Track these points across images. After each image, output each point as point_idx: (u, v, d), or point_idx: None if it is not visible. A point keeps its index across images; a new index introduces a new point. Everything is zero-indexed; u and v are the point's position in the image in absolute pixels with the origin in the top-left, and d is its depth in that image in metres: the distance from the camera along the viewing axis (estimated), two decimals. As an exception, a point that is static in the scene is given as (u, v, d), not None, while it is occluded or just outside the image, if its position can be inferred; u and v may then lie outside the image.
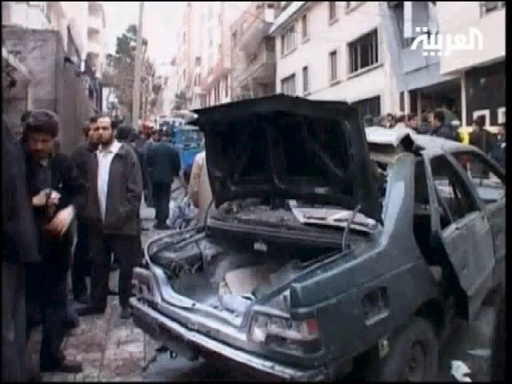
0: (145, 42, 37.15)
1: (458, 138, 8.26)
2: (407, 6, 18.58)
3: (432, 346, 3.38)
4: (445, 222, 3.56)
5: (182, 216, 9.74)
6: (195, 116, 3.86)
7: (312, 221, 3.52)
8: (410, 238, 3.22)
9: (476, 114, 14.51)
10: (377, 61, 22.67)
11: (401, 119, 8.65)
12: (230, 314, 3.26)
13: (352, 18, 23.94)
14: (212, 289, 3.90)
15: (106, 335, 4.59)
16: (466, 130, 10.57)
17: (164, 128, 19.90)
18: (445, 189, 4.54)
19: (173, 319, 3.25)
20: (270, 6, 35.56)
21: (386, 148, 3.58)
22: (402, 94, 20.59)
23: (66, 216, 3.66)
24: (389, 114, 11.38)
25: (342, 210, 3.59)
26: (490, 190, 5.29)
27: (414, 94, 20.17)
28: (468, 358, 4.06)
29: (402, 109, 19.28)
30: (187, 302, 3.30)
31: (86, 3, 46.96)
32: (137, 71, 21.70)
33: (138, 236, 5.54)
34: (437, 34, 17.21)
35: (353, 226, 3.07)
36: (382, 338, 2.88)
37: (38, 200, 3.46)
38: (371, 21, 21.42)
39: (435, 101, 18.16)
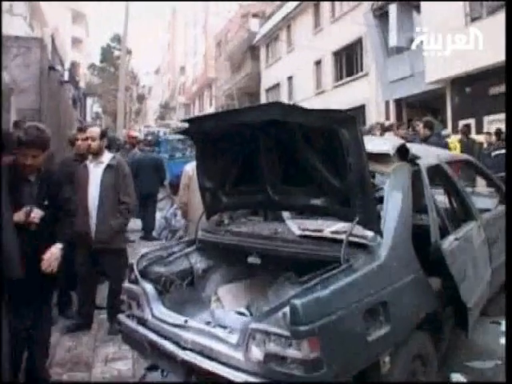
0: (129, 52, 37.02)
1: (447, 147, 8.22)
2: (392, 15, 18.72)
3: (432, 359, 3.29)
4: (443, 233, 3.48)
5: (168, 227, 9.61)
6: (182, 125, 3.74)
7: (308, 233, 3.41)
8: (409, 249, 3.13)
9: (461, 123, 14.57)
10: (362, 70, 22.75)
11: (389, 128, 8.61)
12: (223, 330, 3.14)
13: (337, 27, 24.08)
14: (204, 304, 3.77)
15: (93, 352, 4.42)
16: (455, 139, 10.58)
17: (149, 138, 19.72)
18: (439, 198, 4.49)
19: (164, 337, 3.11)
20: (254, 16, 35.71)
21: (381, 157, 3.50)
22: (387, 102, 20.68)
23: (54, 256, 3.54)
24: (378, 123, 11.36)
25: (338, 222, 3.49)
26: (483, 199, 5.24)
27: (399, 102, 20.27)
28: (466, 370, 3.99)
29: (388, 118, 19.34)
30: (179, 318, 3.16)
31: (70, 13, 46.64)
32: (121, 80, 21.55)
33: (125, 249, 5.37)
34: (421, 42, 17.34)
35: (351, 239, 2.97)
36: (383, 354, 2.78)
37: (17, 217, 3.32)
38: (356, 30, 21.54)
39: (420, 110, 18.22)
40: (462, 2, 15.10)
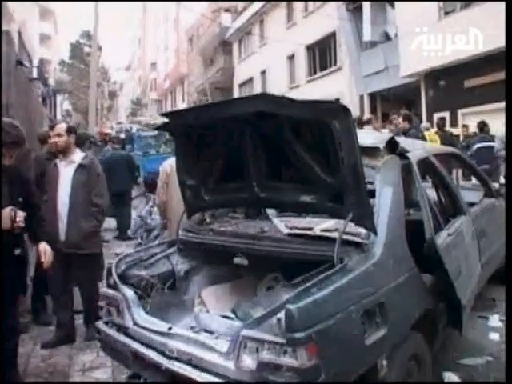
0: (99, 48, 36.38)
1: (425, 140, 8.15)
2: (366, 8, 18.70)
3: (426, 359, 3.16)
4: (435, 228, 3.35)
5: (143, 225, 9.36)
6: (155, 121, 3.53)
7: (296, 231, 3.24)
8: (403, 246, 3.00)
9: (436, 116, 14.63)
10: (335, 64, 22.73)
11: (368, 122, 8.50)
12: (210, 336, 2.98)
13: (310, 21, 23.98)
14: (187, 307, 3.58)
15: (70, 361, 4.19)
16: (433, 132, 10.52)
17: (122, 135, 19.34)
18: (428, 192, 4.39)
19: (147, 345, 2.92)
20: (226, 10, 35.40)
21: (370, 151, 3.36)
22: (361, 96, 20.68)
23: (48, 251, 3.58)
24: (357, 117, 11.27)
25: (327, 219, 3.34)
26: (467, 192, 5.17)
27: (373, 96, 20.30)
28: (457, 367, 3.90)
29: (362, 112, 19.32)
30: (162, 325, 2.97)
31: (37, 9, 45.57)
32: (92, 77, 21.10)
33: (100, 253, 5.07)
34: (395, 36, 17.36)
35: (344, 237, 2.82)
36: (381, 358, 2.63)
37: (5, 224, 3.19)
38: (329, 24, 21.49)
39: (395, 103, 18.25)
40: (435, -4, 15.12)
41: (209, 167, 3.63)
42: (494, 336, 4.47)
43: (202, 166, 3.64)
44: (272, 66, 28.19)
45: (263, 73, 29.78)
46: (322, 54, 24.07)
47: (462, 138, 11.73)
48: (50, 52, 48.90)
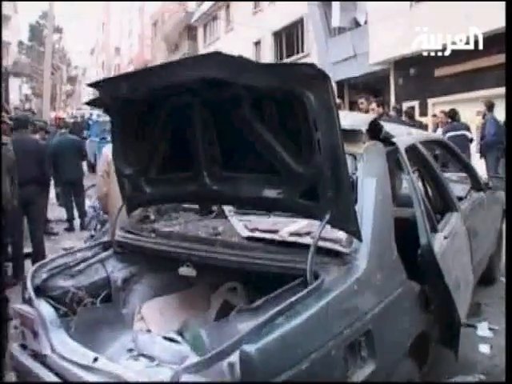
0: (59, 30, 35.01)
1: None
2: (336, -6, 18.03)
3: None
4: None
5: (97, 217, 8.60)
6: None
7: (258, 235, 2.57)
8: (393, 254, 2.38)
9: (405, 105, 14.15)
10: (303, 50, 22.05)
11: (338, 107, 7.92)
12: (149, 364, 2.34)
13: (277, 6, 23.17)
14: (125, 324, 2.89)
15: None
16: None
17: (78, 120, 18.37)
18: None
19: (68, 381, 2.24)
20: (192, -5, 34.51)
21: (349, 135, 2.72)
22: (329, 84, 20.06)
23: None
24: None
25: (298, 219, 2.68)
26: (452, 184, 4.62)
27: (341, 84, 19.70)
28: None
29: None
30: (87, 354, 2.28)
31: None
32: (47, 59, 19.93)
33: None
34: (365, 23, 16.81)
35: (320, 244, 2.18)
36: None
37: None
38: (297, 10, 20.78)
39: (363, 91, 17.71)
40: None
41: (150, 153, 2.89)
42: (485, 348, 3.93)
43: (143, 151, 2.91)
44: (238, 52, 26.88)
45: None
46: (289, 41, 23.37)
47: (430, 126, 11.26)
48: (11, 33, 46.85)
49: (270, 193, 2.38)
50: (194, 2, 33.57)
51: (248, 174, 2.54)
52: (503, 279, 5.45)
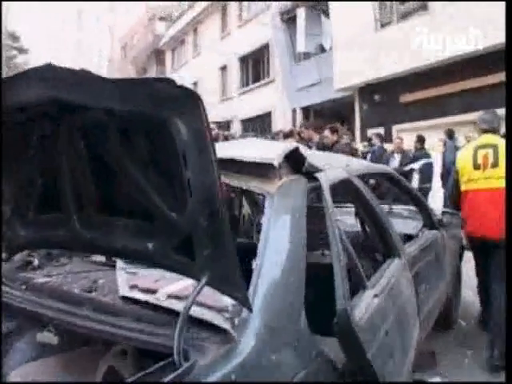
0: (24, 51, 34.47)
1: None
2: (300, 19, 17.82)
3: None
4: (355, 286, 2.23)
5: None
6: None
7: (134, 294, 2.02)
8: (299, 324, 1.82)
9: (370, 132, 13.88)
10: (268, 76, 21.83)
11: (290, 134, 7.36)
12: None
13: (244, 31, 23.07)
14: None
15: None
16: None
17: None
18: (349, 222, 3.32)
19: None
20: (161, 19, 34.38)
21: (264, 169, 2.22)
22: (294, 110, 19.78)
23: None
24: (280, 131, 10.30)
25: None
26: (402, 220, 4.15)
27: (307, 110, 19.46)
28: None
29: (294, 126, 18.45)
30: None
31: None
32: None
33: None
34: (330, 48, 16.60)
35: (195, 314, 1.64)
36: None
37: None
38: (263, 35, 20.60)
39: (329, 118, 17.45)
40: (371, 6, 14.37)
41: (26, 187, 2.34)
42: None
43: (17, 184, 2.36)
44: (204, 77, 26.98)
45: (195, 84, 28.56)
46: (255, 66, 23.18)
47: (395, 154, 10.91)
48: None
49: (142, 244, 1.81)
50: (163, 26, 33.46)
51: (126, 219, 1.98)
52: (463, 322, 5.01)
